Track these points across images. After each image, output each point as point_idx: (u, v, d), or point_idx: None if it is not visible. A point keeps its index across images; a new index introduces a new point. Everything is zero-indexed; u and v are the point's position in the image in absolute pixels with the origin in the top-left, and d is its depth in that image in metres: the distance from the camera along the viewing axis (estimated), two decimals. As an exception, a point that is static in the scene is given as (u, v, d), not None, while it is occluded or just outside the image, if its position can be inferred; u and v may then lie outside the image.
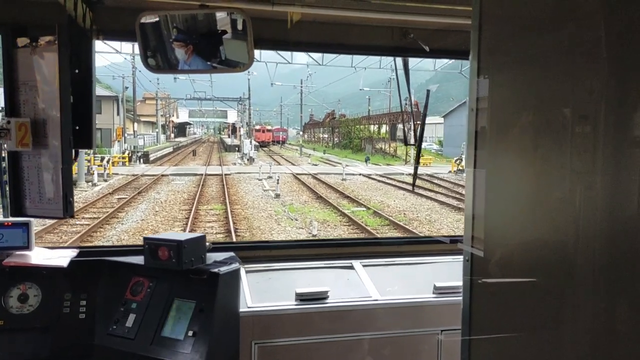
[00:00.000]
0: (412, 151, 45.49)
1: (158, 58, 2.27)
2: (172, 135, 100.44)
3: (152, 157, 42.13)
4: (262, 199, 21.29)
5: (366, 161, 44.09)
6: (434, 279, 2.98)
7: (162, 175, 28.94)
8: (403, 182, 28.64)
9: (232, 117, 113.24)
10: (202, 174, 29.67)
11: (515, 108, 1.52)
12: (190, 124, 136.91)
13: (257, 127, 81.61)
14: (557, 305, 1.35)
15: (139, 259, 2.52)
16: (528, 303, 1.46)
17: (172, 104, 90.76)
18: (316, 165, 42.36)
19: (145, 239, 2.40)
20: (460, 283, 1.85)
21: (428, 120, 47.87)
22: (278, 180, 23.10)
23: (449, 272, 3.12)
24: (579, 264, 1.27)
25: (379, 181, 29.71)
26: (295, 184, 27.72)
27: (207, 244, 2.52)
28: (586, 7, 1.26)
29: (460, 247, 1.76)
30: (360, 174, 33.30)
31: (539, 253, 1.43)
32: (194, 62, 2.22)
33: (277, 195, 22.04)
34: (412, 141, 3.10)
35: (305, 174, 32.03)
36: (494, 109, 1.59)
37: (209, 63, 2.23)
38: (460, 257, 1.82)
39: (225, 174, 30.13)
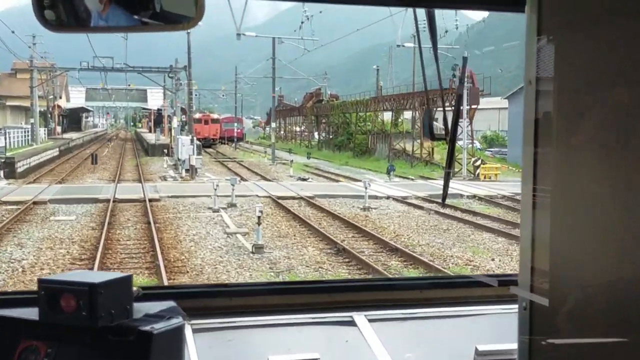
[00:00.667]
0: (460, 156, 40.95)
1: (60, 10, 2.25)
2: (60, 128, 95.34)
3: (20, 167, 40.11)
4: (228, 256, 17.68)
5: (389, 173, 39.55)
6: (474, 340, 3.03)
7: (36, 204, 25.94)
8: (489, 218, 23.72)
9: (156, 100, 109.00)
10: (108, 200, 26.76)
11: (595, 84, 1.57)
12: (88, 110, 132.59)
13: (197, 115, 77.14)
14: None
15: (31, 313, 2.52)
16: None
17: (59, 79, 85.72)
18: (305, 180, 37.93)
19: (41, 281, 2.43)
20: (515, 345, 2.01)
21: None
22: (260, 216, 17.91)
23: (497, 328, 3.13)
24: None
25: (437, 212, 24.98)
26: (283, 218, 23.96)
27: (135, 288, 2.53)
28: None
29: (514, 292, 1.85)
30: (388, 197, 29.04)
31: (635, 300, 1.44)
32: (113, 16, 2.22)
33: (258, 249, 17.34)
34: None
35: (294, 197, 28.65)
36: (563, 84, 1.66)
37: (136, 17, 2.22)
38: (514, 307, 1.98)
39: (151, 200, 27.05)
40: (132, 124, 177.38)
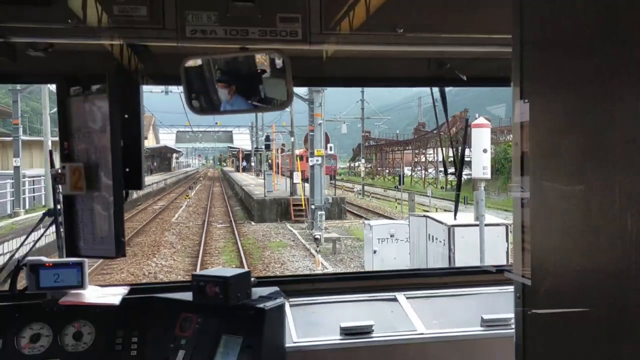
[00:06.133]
0: None
1: (201, 100, 3.35)
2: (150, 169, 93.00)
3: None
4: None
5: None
6: (480, 311, 4.13)
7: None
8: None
9: (241, 140, 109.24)
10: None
11: (563, 131, 2.04)
12: (177, 151, 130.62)
13: (299, 151, 54.04)
14: (613, 335, 1.83)
15: (187, 296, 3.72)
16: (586, 335, 1.96)
17: (146, 119, 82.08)
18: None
19: (193, 276, 3.69)
20: (510, 315, 3.20)
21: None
22: None
23: (496, 303, 4.32)
24: (635, 292, 1.76)
25: None
26: None
27: (252, 279, 3.73)
28: (629, 33, 1.77)
29: (509, 277, 2.32)
30: None
31: (592, 281, 1.93)
32: (236, 102, 3.29)
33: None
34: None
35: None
36: (541, 133, 2.14)
37: (250, 102, 3.30)
38: (508, 288, 3.09)
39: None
40: (218, 163, 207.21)
